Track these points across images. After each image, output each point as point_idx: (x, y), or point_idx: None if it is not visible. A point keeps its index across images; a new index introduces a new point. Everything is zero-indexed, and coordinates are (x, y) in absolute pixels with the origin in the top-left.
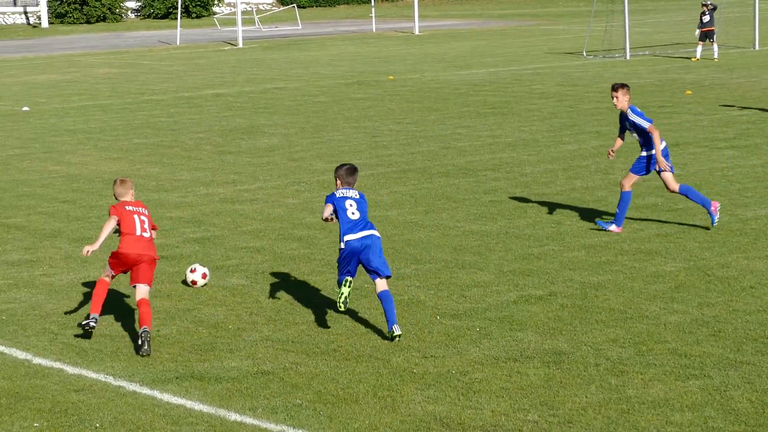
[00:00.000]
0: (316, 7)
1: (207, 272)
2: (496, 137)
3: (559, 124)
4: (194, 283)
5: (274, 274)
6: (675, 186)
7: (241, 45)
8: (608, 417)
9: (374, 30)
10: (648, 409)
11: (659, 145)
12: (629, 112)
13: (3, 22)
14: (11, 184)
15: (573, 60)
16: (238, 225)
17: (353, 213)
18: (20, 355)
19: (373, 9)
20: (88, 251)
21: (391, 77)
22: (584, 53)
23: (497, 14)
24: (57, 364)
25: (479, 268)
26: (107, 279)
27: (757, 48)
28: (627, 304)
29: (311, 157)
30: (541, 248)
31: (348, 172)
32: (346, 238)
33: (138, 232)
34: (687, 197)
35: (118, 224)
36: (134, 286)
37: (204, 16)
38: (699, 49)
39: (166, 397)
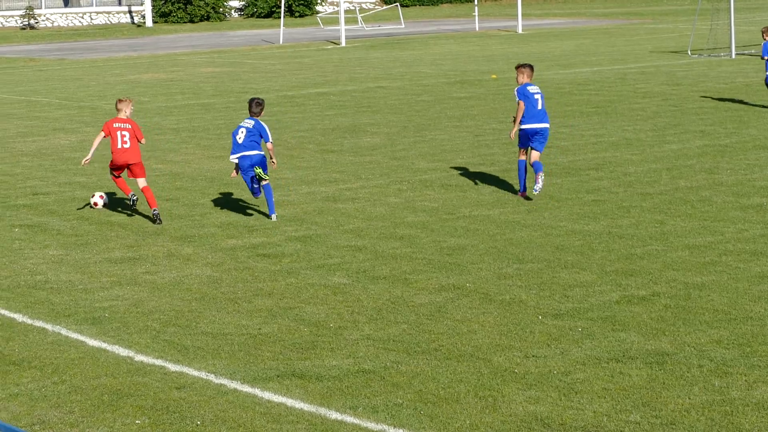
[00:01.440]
0: (419, 6)
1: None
2: (600, 136)
3: (663, 123)
4: (96, 204)
5: (375, 273)
6: (532, 160)
7: (344, 44)
8: (711, 419)
9: (477, 29)
10: (752, 411)
11: (518, 119)
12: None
13: (108, 22)
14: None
15: (678, 59)
16: (340, 224)
17: (240, 138)
18: (122, 352)
19: (476, 8)
20: (85, 161)
21: (494, 76)
22: (689, 52)
23: (601, 13)
24: (159, 362)
25: (582, 268)
26: (117, 177)
27: None
28: (731, 305)
29: (414, 156)
30: (644, 248)
31: (254, 105)
32: (233, 157)
33: (119, 146)
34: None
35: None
36: (136, 181)
37: (307, 15)
38: None
39: (267, 395)
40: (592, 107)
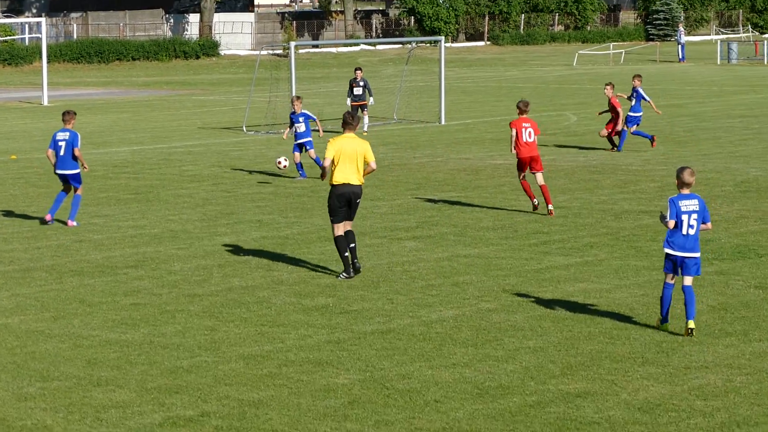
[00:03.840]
0: None
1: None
2: (140, 228)
3: (215, 212)
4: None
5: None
6: None
7: None
8: None
9: None
10: None
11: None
12: None
13: None
14: None
15: (231, 136)
16: None
17: None
18: None
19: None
20: None
21: (14, 156)
22: (244, 128)
23: (142, 82)
24: None
25: (118, 385)
26: None
27: (443, 123)
28: (293, 424)
29: None
30: (192, 360)
31: None
32: None
33: None
34: None
35: None
36: None
37: None
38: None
39: None
40: (131, 193)
